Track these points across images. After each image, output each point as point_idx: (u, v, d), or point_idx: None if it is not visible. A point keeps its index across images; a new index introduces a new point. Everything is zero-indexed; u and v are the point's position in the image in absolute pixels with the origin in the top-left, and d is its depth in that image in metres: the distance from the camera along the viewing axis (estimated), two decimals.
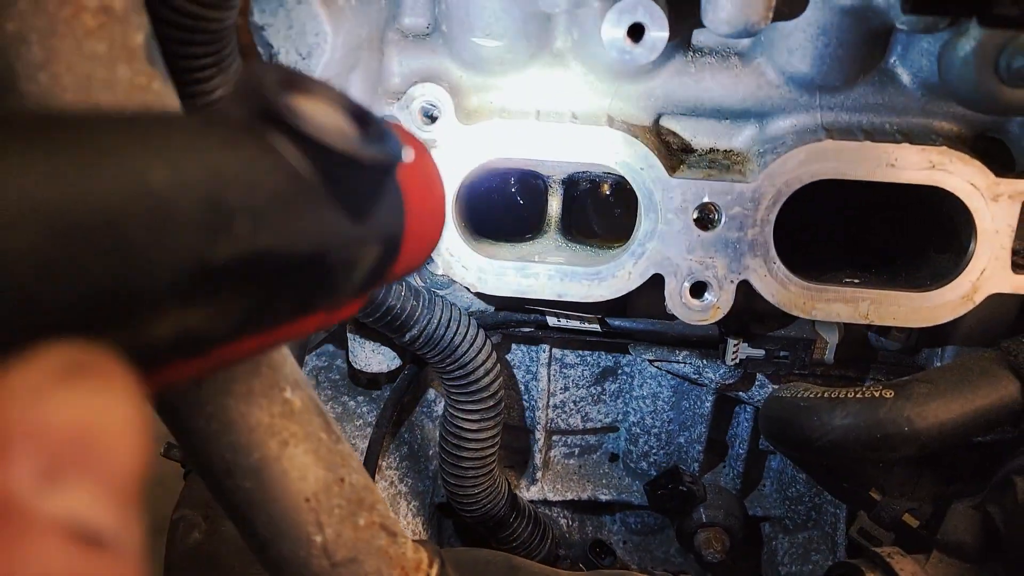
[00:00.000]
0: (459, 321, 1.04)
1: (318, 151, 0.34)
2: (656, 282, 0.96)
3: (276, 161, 0.33)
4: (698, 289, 0.94)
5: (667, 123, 0.98)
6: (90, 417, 0.21)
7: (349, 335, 1.16)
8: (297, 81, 0.35)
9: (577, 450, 1.37)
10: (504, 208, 1.11)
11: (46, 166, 0.21)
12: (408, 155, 0.39)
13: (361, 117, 0.37)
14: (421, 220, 0.45)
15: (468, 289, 0.99)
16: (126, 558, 0.21)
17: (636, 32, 0.82)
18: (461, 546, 1.37)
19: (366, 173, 0.36)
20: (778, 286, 0.93)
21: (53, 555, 0.19)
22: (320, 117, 0.34)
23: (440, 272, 0.96)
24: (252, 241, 0.30)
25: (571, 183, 1.08)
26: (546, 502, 1.36)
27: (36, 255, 0.21)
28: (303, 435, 0.68)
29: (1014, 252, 0.91)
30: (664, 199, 0.91)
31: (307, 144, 0.33)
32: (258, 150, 0.32)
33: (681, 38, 0.91)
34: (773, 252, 0.92)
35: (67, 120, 0.25)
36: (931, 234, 0.99)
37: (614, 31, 0.82)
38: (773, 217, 0.91)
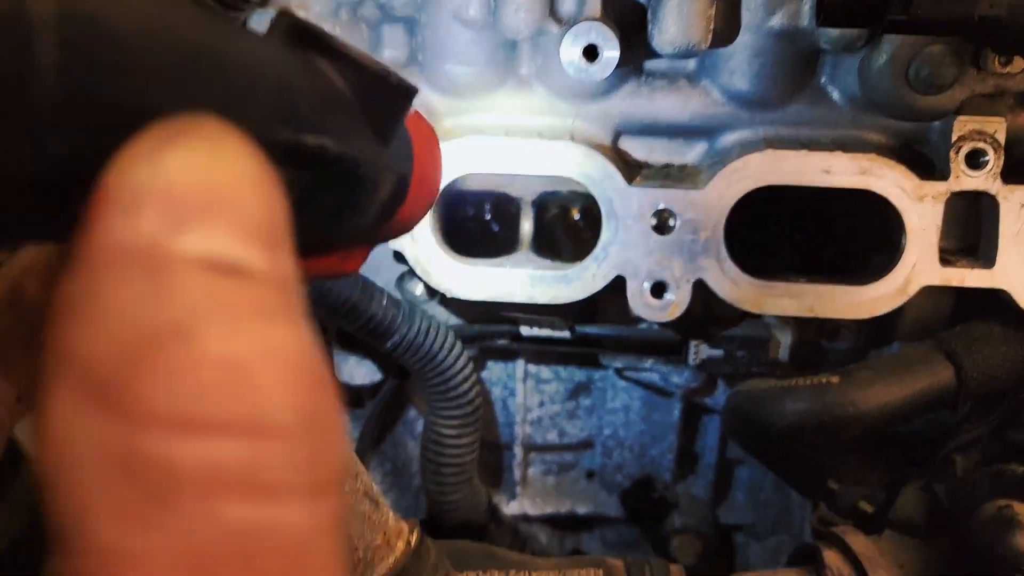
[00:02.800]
0: (438, 330, 1.11)
1: (353, 68, 0.36)
2: (619, 286, 1.04)
3: (319, 73, 0.35)
4: (658, 289, 1.02)
5: (625, 142, 1.08)
6: (217, 172, 0.21)
7: (335, 350, 1.22)
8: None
9: (555, 467, 1.43)
10: (480, 234, 1.20)
11: None
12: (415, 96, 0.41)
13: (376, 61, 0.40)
14: (424, 169, 0.47)
15: (444, 296, 1.07)
16: (274, 285, 0.21)
17: (591, 53, 0.92)
18: None
19: (392, 97, 0.39)
20: (730, 283, 1.01)
21: (197, 285, 0.20)
22: (347, 45, 0.37)
23: (415, 270, 1.04)
24: (311, 131, 0.32)
25: (542, 206, 1.17)
26: (526, 517, 1.41)
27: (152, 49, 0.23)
28: None
29: (942, 249, 1.00)
30: (623, 206, 1.00)
31: (343, 62, 0.36)
32: (303, 62, 0.35)
33: (634, 63, 1.01)
34: (724, 252, 1.00)
35: None
36: (870, 239, 1.08)
37: (571, 52, 0.92)
38: (723, 220, 1.00)
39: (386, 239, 0.49)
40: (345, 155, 0.35)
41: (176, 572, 0.19)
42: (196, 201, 0.21)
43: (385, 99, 0.39)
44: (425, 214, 0.50)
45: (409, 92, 0.40)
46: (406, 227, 0.49)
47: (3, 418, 0.30)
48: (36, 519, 0.22)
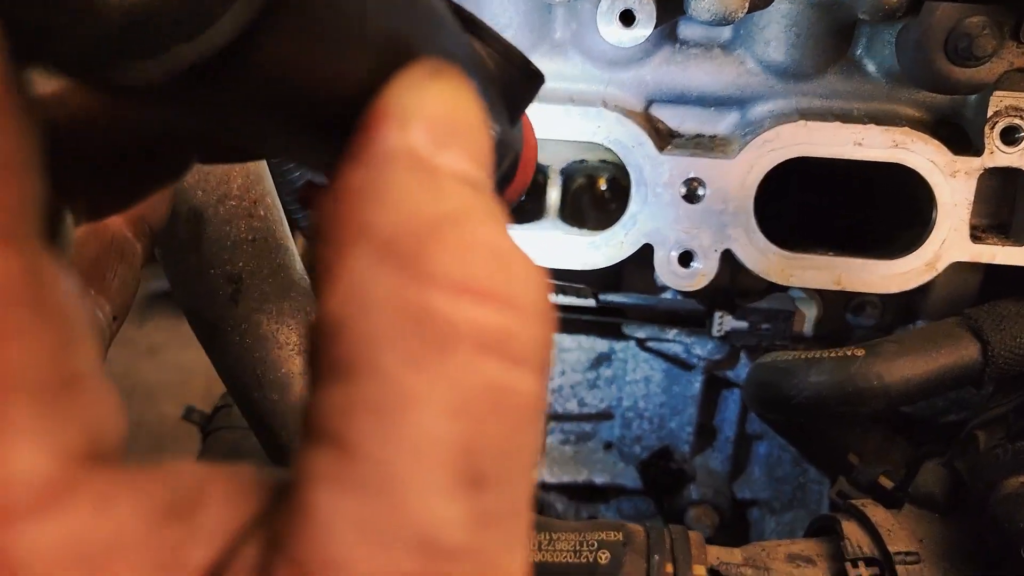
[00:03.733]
0: None
1: (500, 52, 0.39)
2: (646, 258, 1.04)
3: (472, 49, 0.38)
4: (685, 258, 1.02)
5: (657, 110, 1.07)
6: (462, 107, 0.27)
7: None
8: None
9: (573, 437, 1.43)
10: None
11: None
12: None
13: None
14: (529, 152, 0.51)
15: None
16: (497, 204, 0.27)
17: (627, 18, 0.92)
18: None
19: (525, 81, 0.42)
20: (758, 254, 1.01)
21: (460, 190, 0.26)
22: (488, 27, 0.41)
23: None
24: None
25: (569, 175, 1.17)
26: (543, 485, 1.42)
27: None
28: None
29: (973, 226, 1.00)
30: (653, 174, 1.00)
31: (493, 46, 0.39)
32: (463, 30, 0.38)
33: (668, 30, 1.01)
34: (753, 223, 1.00)
35: None
36: (900, 214, 1.08)
37: (607, 16, 0.92)
38: (753, 191, 1.00)
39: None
40: (494, 132, 0.38)
41: (445, 408, 0.24)
42: (448, 128, 0.26)
43: (519, 82, 0.42)
44: (523, 195, 0.53)
45: (540, 78, 0.43)
46: (511, 202, 0.51)
47: (104, 334, 0.33)
48: None
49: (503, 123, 0.41)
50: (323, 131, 0.28)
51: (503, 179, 0.47)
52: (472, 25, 0.39)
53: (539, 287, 0.26)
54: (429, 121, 0.26)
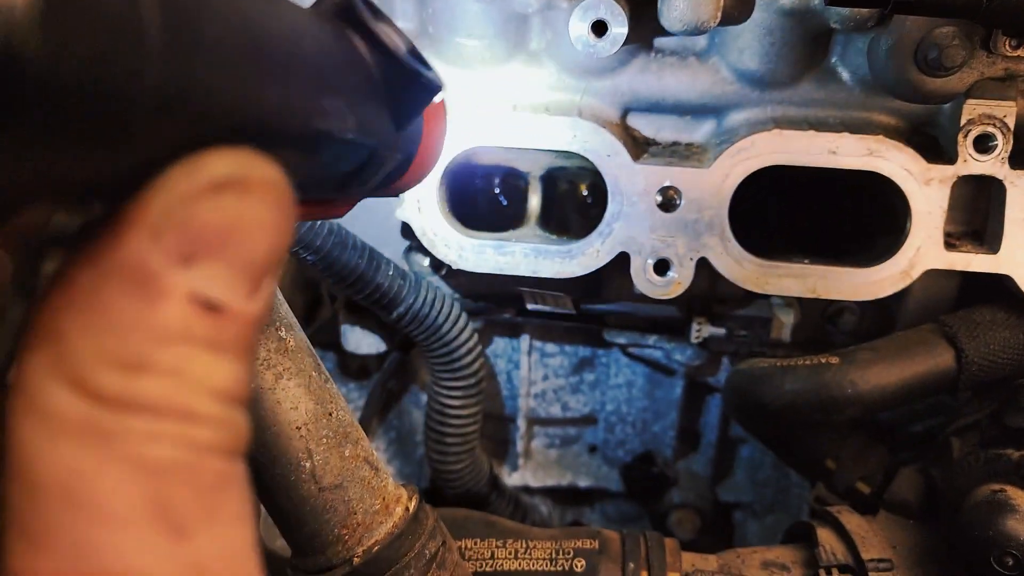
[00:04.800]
0: (443, 301, 1.12)
1: (386, 57, 0.38)
2: (625, 266, 1.04)
3: (354, 54, 0.37)
4: (661, 266, 1.02)
5: (633, 118, 1.08)
6: (236, 218, 0.26)
7: (341, 322, 1.24)
8: (368, 3, 0.40)
9: (557, 441, 1.44)
10: (489, 209, 1.20)
11: None
12: (442, 93, 0.44)
13: (412, 48, 0.41)
14: (427, 150, 0.50)
15: (450, 268, 1.08)
16: (239, 324, 0.27)
17: (599, 28, 0.92)
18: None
19: (417, 90, 0.41)
20: (733, 263, 1.01)
21: (175, 314, 0.25)
22: (388, 33, 0.39)
23: (423, 241, 1.05)
24: (339, 119, 0.34)
25: (551, 181, 1.18)
26: (527, 489, 1.43)
27: (226, 69, 0.26)
28: (295, 370, 0.75)
29: (947, 233, 1.00)
30: (629, 183, 1.01)
31: (379, 48, 0.38)
32: (341, 40, 0.37)
33: (643, 39, 1.01)
34: (728, 232, 1.01)
35: None
36: (875, 221, 1.08)
37: (580, 27, 0.92)
38: (728, 199, 1.00)
39: (375, 195, 0.52)
40: (365, 142, 0.37)
41: (131, 475, 0.25)
42: (209, 239, 0.25)
43: (411, 89, 0.40)
44: (418, 184, 0.52)
45: (434, 89, 0.41)
46: (397, 193, 0.51)
47: None
48: None
49: (383, 131, 0.40)
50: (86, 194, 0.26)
51: (389, 177, 0.46)
52: (361, 27, 0.37)
53: (228, 421, 0.27)
54: (186, 232, 0.25)
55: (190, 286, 0.25)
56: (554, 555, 0.97)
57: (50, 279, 0.26)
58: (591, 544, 0.97)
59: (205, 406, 0.26)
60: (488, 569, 0.95)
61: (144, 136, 0.24)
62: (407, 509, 0.81)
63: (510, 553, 0.97)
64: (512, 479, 1.40)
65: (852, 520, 0.97)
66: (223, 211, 0.26)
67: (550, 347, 1.34)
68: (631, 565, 0.94)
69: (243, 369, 0.27)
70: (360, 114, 0.37)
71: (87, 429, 0.24)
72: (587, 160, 1.04)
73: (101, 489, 0.24)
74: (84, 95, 0.21)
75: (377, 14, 0.40)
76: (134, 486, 0.24)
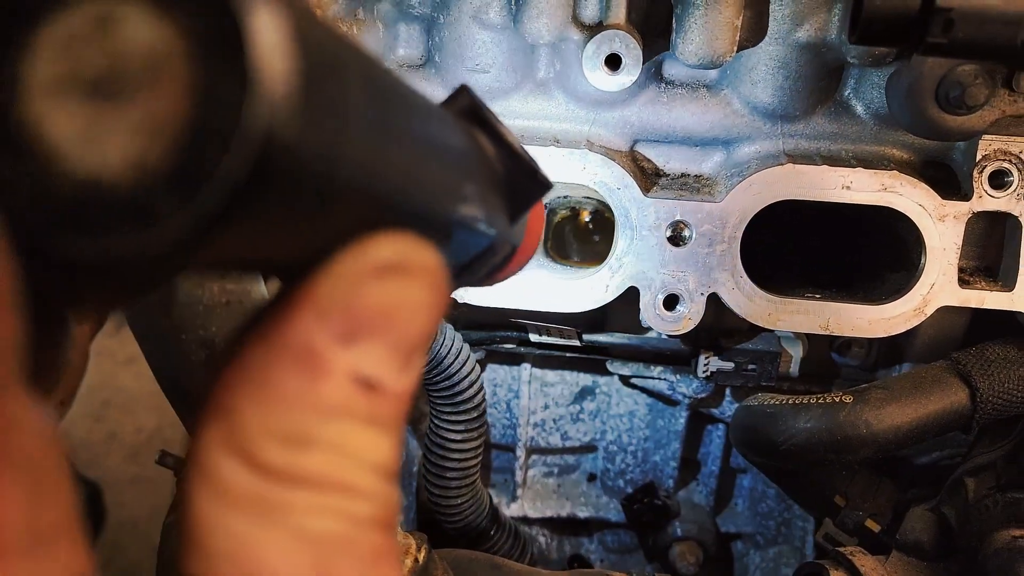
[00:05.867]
0: (445, 334, 1.09)
1: (509, 153, 0.40)
2: (631, 297, 1.02)
3: (481, 151, 0.39)
4: (671, 301, 1.00)
5: (642, 149, 1.06)
6: (396, 301, 0.27)
7: None
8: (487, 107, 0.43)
9: (556, 470, 1.41)
10: None
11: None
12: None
13: (524, 148, 0.44)
14: (529, 242, 0.52)
15: (453, 300, 1.05)
16: (394, 401, 0.28)
17: (613, 62, 0.90)
18: None
19: (532, 186, 0.43)
20: (744, 299, 0.99)
21: (337, 391, 0.26)
22: (509, 131, 0.42)
23: None
24: (474, 210, 0.36)
25: (552, 208, 1.15)
26: (526, 519, 1.40)
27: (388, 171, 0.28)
28: None
29: (961, 269, 0.99)
30: (639, 217, 0.98)
31: (502, 146, 0.40)
32: (469, 138, 0.39)
33: (654, 70, 0.99)
34: (740, 267, 0.99)
35: None
36: (886, 255, 1.07)
37: (593, 60, 0.90)
38: (740, 234, 0.98)
39: (487, 284, 0.53)
40: (488, 232, 0.39)
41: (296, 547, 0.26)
42: (372, 321, 0.27)
43: (525, 186, 0.42)
44: (512, 276, 0.53)
45: (547, 185, 0.43)
46: (493, 284, 0.53)
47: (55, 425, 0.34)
48: None
49: (500, 223, 0.42)
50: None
51: (496, 267, 0.48)
52: (487, 126, 0.40)
53: (384, 485, 0.28)
54: (346, 314, 0.26)
55: (351, 365, 0.27)
56: None
57: (223, 356, 0.27)
58: None
59: (364, 480, 0.27)
60: None
61: (336, 220, 0.25)
62: (416, 560, 0.79)
63: None
64: (511, 510, 1.37)
65: (866, 562, 0.96)
66: (386, 295, 0.27)
67: (551, 376, 1.32)
68: None
69: (397, 444, 0.29)
70: (488, 205, 0.38)
71: (256, 501, 0.25)
72: (591, 191, 1.02)
73: (269, 558, 0.25)
74: (315, 182, 0.23)
75: (495, 116, 0.42)
76: (299, 555, 0.26)
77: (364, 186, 0.26)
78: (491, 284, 0.53)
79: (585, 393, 1.33)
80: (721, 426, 1.32)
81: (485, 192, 0.39)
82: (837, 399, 0.97)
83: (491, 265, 0.45)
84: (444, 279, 0.29)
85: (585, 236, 1.20)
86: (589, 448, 1.39)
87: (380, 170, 0.27)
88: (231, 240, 0.22)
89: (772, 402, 1.03)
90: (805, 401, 0.99)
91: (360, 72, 0.26)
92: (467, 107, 0.40)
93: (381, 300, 0.27)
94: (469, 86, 0.41)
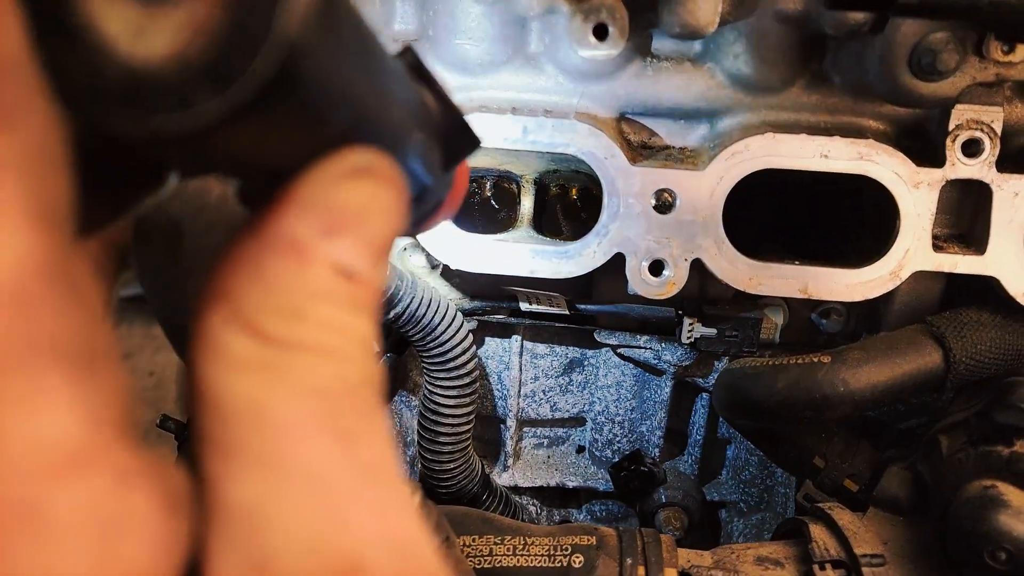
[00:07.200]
0: (439, 302, 1.13)
1: (447, 108, 0.43)
2: (618, 263, 1.06)
3: (423, 102, 0.42)
4: (656, 267, 1.04)
5: (628, 122, 1.09)
6: (367, 201, 0.31)
7: None
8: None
9: (546, 441, 1.45)
10: (480, 212, 1.21)
11: None
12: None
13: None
14: (453, 200, 0.54)
15: (446, 268, 1.08)
16: (368, 290, 0.32)
17: (600, 32, 0.93)
18: None
19: (465, 141, 0.45)
20: (726, 263, 1.03)
21: (322, 277, 0.30)
22: (448, 89, 0.45)
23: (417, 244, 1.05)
24: (419, 144, 0.40)
25: (542, 185, 1.19)
26: (516, 489, 1.43)
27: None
28: None
29: (935, 236, 1.03)
30: (625, 185, 1.02)
31: (442, 100, 0.43)
32: (416, 89, 0.42)
33: (640, 44, 1.03)
34: (722, 233, 1.02)
35: None
36: (863, 220, 1.11)
37: (581, 30, 0.93)
38: (722, 202, 1.02)
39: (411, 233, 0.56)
40: (424, 177, 0.42)
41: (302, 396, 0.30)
42: (347, 219, 0.30)
43: (457, 139, 0.45)
44: (432, 228, 0.55)
45: (476, 142, 0.47)
46: (414, 234, 0.55)
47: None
48: None
49: (435, 171, 0.45)
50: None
51: (422, 218, 0.51)
52: (424, 78, 0.43)
53: (367, 357, 0.31)
54: (326, 212, 0.30)
55: (332, 256, 0.30)
56: (552, 551, 0.98)
57: (219, 252, 0.30)
58: (588, 540, 0.98)
59: (354, 349, 0.31)
60: (487, 566, 0.96)
61: (325, 131, 0.29)
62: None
63: (508, 550, 0.98)
64: (501, 479, 1.41)
65: (844, 516, 0.99)
66: (360, 193, 0.31)
67: (541, 348, 1.35)
68: (628, 561, 0.95)
69: (373, 328, 0.32)
70: (430, 152, 0.42)
71: (261, 364, 0.29)
72: (579, 164, 1.05)
73: (278, 408, 0.28)
74: (319, 89, 0.26)
75: (436, 73, 0.45)
76: (305, 403, 0.29)
77: (350, 102, 0.30)
78: (414, 234, 0.57)
79: (574, 365, 1.37)
80: (706, 396, 1.36)
81: (428, 139, 0.42)
82: (816, 359, 1.01)
83: (421, 211, 0.48)
84: (404, 188, 0.33)
85: (573, 213, 1.23)
86: (579, 421, 1.43)
87: (361, 92, 0.31)
88: (244, 135, 0.26)
89: (753, 364, 1.07)
90: (785, 362, 1.03)
91: (350, 7, 0.30)
92: (412, 63, 0.44)
93: (355, 198, 0.31)
94: (413, 46, 0.44)
